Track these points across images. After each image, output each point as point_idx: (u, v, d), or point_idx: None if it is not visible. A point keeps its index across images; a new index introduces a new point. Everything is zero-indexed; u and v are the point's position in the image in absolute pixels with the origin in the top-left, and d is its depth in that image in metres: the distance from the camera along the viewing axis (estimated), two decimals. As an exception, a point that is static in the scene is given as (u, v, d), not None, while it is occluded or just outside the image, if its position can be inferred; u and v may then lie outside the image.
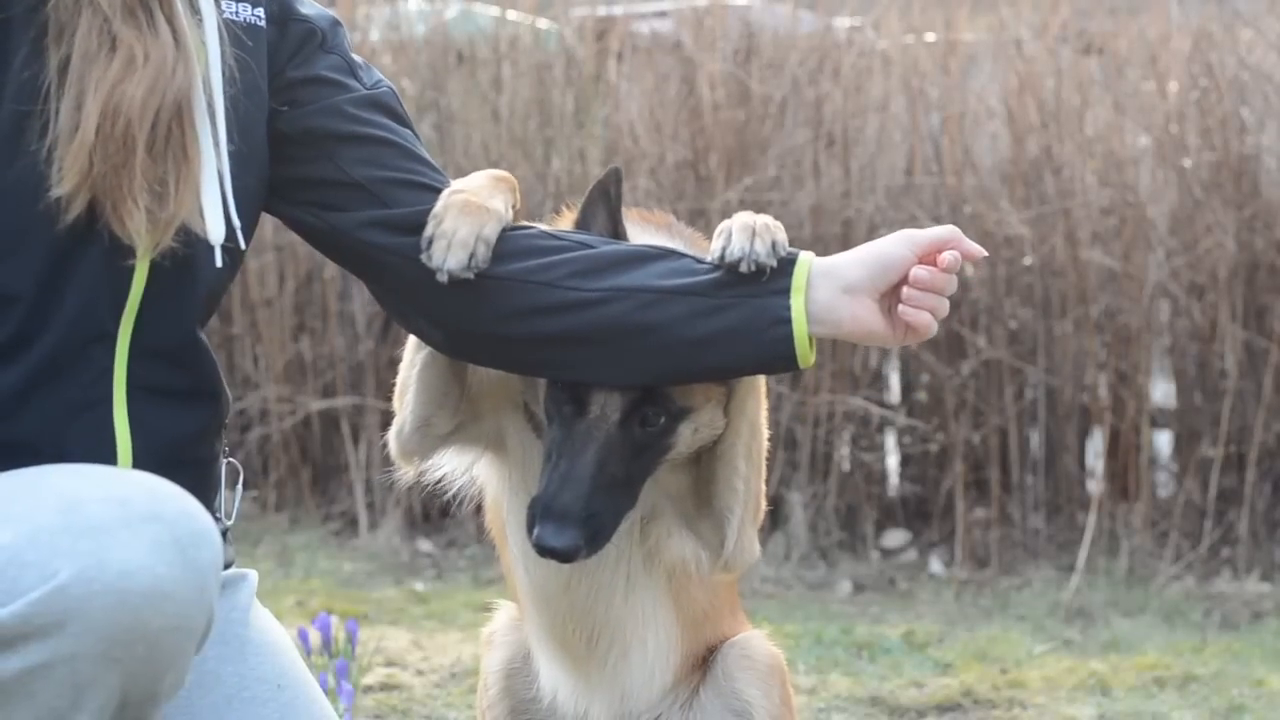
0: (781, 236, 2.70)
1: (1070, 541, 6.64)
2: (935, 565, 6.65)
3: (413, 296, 2.77)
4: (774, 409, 6.70)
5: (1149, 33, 7.06)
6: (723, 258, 2.68)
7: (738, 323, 2.67)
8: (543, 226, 2.82)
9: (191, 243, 2.62)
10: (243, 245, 2.69)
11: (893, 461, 7.03)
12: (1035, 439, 6.86)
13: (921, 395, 6.90)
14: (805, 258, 2.71)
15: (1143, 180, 6.91)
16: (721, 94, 6.83)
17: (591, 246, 2.75)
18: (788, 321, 2.66)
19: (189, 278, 2.65)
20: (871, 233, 6.70)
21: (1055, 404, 6.81)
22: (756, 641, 3.09)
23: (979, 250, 2.74)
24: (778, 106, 6.86)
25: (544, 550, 2.71)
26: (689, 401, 2.78)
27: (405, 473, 2.99)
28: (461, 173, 8.36)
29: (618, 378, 2.74)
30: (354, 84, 2.82)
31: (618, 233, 2.83)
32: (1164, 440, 6.96)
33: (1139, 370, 6.69)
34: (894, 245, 2.73)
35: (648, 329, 2.68)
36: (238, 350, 7.23)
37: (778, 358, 2.70)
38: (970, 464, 6.77)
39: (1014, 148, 6.86)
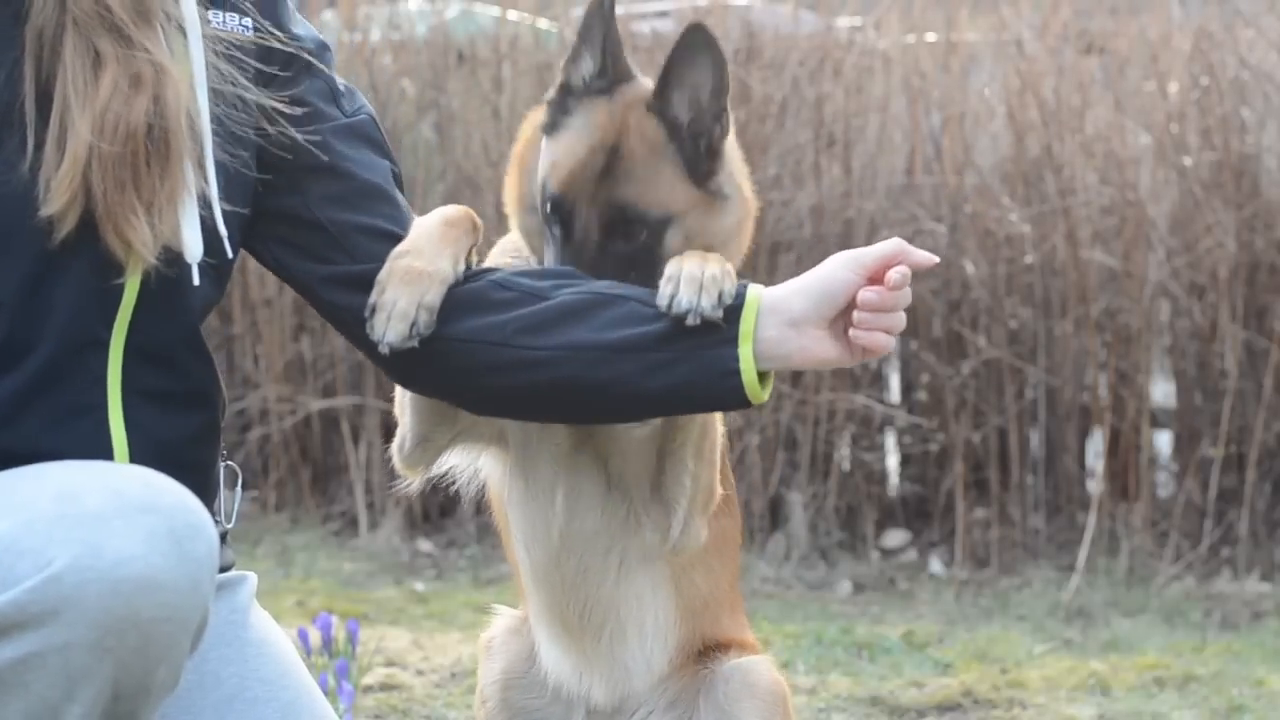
0: (729, 285, 2.68)
1: (1070, 541, 6.64)
2: (935, 565, 6.65)
3: (371, 352, 2.75)
4: (774, 409, 6.70)
5: (1149, 32, 7.06)
6: (670, 308, 2.68)
7: (688, 376, 2.68)
8: (498, 271, 2.79)
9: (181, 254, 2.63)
10: (230, 255, 2.69)
11: (893, 461, 7.03)
12: (1035, 439, 6.86)
13: (922, 395, 6.90)
14: (752, 298, 2.69)
15: (1143, 180, 6.90)
16: (722, 94, 6.82)
17: (543, 297, 2.72)
18: (737, 373, 2.66)
19: (182, 283, 2.65)
20: (872, 233, 6.70)
21: (1055, 404, 6.81)
22: (762, 668, 3.06)
23: (929, 258, 2.69)
24: (778, 106, 6.86)
25: None
26: (667, 210, 2.80)
27: (411, 482, 3.03)
28: (461, 173, 8.28)
29: (584, 422, 2.84)
30: (335, 112, 2.81)
31: (614, 51, 2.82)
32: (1164, 440, 6.96)
33: (1139, 370, 6.69)
34: (837, 270, 2.69)
35: (600, 386, 2.70)
36: (238, 350, 7.22)
37: (730, 403, 2.73)
38: (970, 464, 6.77)
39: (1014, 147, 6.86)
